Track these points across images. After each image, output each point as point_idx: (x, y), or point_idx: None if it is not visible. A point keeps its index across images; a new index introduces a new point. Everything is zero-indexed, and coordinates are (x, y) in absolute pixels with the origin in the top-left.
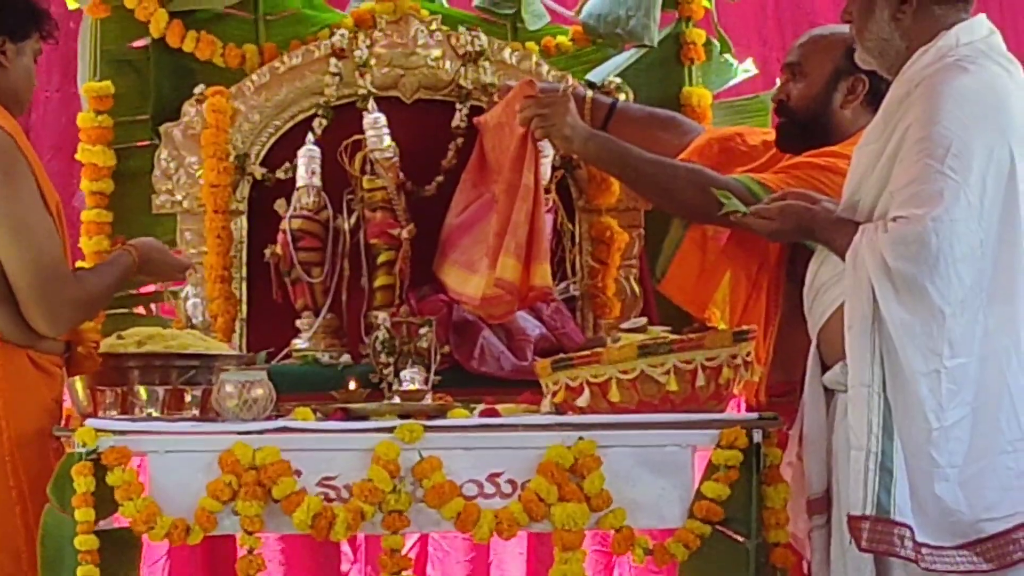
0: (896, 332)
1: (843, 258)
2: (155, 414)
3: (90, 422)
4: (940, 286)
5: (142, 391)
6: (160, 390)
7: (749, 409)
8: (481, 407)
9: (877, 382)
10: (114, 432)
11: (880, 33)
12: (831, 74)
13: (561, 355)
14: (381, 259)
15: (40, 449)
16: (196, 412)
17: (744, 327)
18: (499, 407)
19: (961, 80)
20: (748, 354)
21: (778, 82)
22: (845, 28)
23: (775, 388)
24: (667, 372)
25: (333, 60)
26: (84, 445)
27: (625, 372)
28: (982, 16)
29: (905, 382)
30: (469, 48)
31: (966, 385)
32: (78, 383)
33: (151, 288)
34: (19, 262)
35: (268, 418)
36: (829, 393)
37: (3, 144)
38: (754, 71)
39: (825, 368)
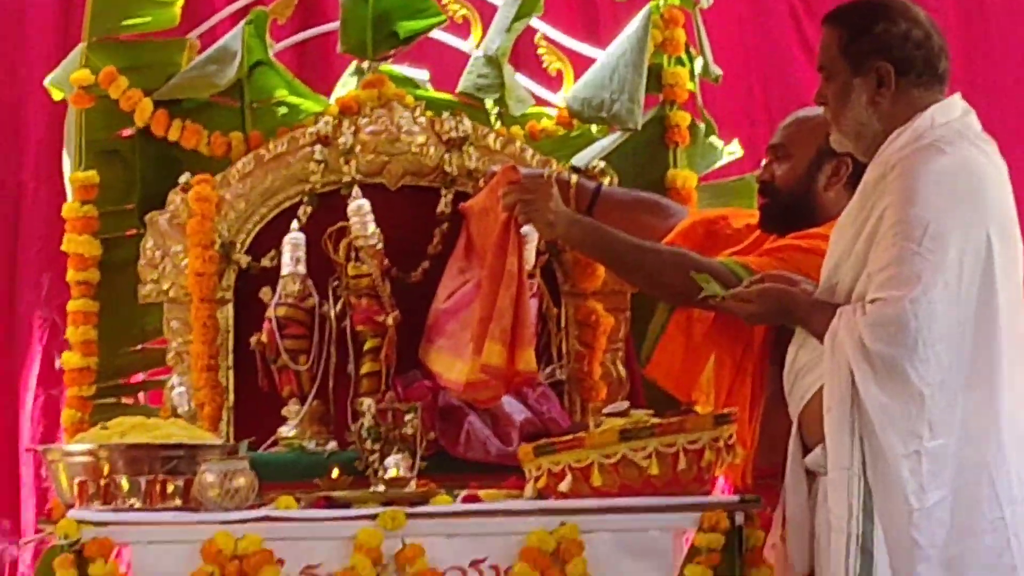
0: (875, 414)
1: (822, 341)
2: (137, 504)
3: (72, 513)
4: (919, 367)
5: (124, 482)
6: (142, 480)
7: (735, 492)
8: (464, 493)
9: (857, 465)
10: (96, 523)
11: (857, 117)
12: (815, 156)
13: (543, 440)
14: (367, 346)
15: None
16: (179, 502)
17: (726, 410)
18: (481, 493)
19: (938, 161)
20: (730, 437)
21: (764, 163)
22: None
23: (761, 470)
24: (649, 456)
25: (318, 147)
26: (66, 537)
27: (607, 456)
28: (957, 96)
29: (885, 464)
30: (453, 134)
31: (946, 466)
32: (62, 474)
33: (140, 377)
34: None
35: (251, 507)
36: (811, 475)
37: None
38: (740, 152)
39: (807, 450)
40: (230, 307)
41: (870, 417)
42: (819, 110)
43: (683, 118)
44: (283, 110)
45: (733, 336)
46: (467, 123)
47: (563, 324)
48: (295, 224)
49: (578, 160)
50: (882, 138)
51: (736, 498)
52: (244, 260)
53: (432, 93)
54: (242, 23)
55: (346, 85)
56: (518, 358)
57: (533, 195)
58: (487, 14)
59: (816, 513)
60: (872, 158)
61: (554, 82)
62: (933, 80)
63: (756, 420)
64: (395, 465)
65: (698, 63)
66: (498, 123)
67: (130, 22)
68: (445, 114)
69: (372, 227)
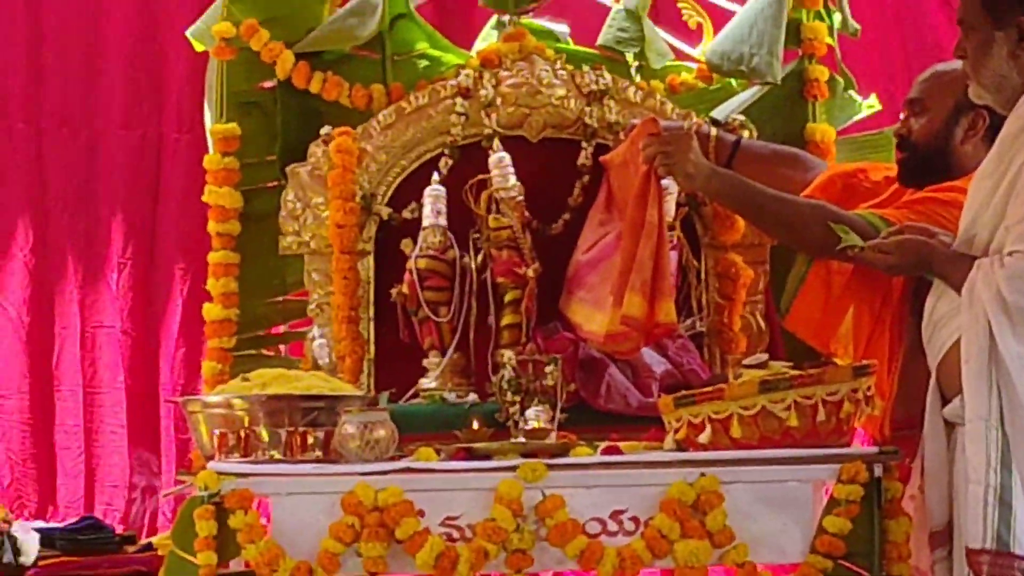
0: (1013, 366)
1: (960, 292)
2: (277, 456)
3: (212, 465)
4: None
5: (264, 433)
6: (282, 432)
7: (873, 443)
8: (604, 445)
9: (995, 416)
10: (236, 475)
11: (998, 70)
12: (952, 110)
13: (683, 392)
14: (508, 298)
15: None
16: (319, 454)
17: (865, 361)
18: (622, 444)
19: None
20: (869, 388)
21: (901, 117)
22: None
23: (900, 422)
24: (788, 408)
25: (459, 99)
26: (206, 488)
27: (746, 408)
28: None
29: (1023, 416)
30: (594, 87)
31: None
32: (202, 425)
33: (280, 329)
34: None
35: (391, 459)
36: (950, 426)
37: None
38: (878, 107)
39: (945, 401)
40: (371, 259)
41: (1008, 368)
42: (956, 64)
43: (822, 72)
44: (424, 63)
45: (872, 287)
46: (607, 76)
47: (703, 276)
48: (436, 176)
49: (717, 113)
50: (1021, 91)
51: (875, 449)
52: (385, 212)
53: (572, 47)
54: None
55: (487, 38)
56: (658, 310)
57: (673, 147)
58: None
59: (954, 464)
60: (1011, 111)
61: (693, 36)
62: None
63: (895, 371)
64: (535, 417)
65: (836, 17)
66: (638, 76)
67: None
68: (585, 67)
69: (513, 179)
